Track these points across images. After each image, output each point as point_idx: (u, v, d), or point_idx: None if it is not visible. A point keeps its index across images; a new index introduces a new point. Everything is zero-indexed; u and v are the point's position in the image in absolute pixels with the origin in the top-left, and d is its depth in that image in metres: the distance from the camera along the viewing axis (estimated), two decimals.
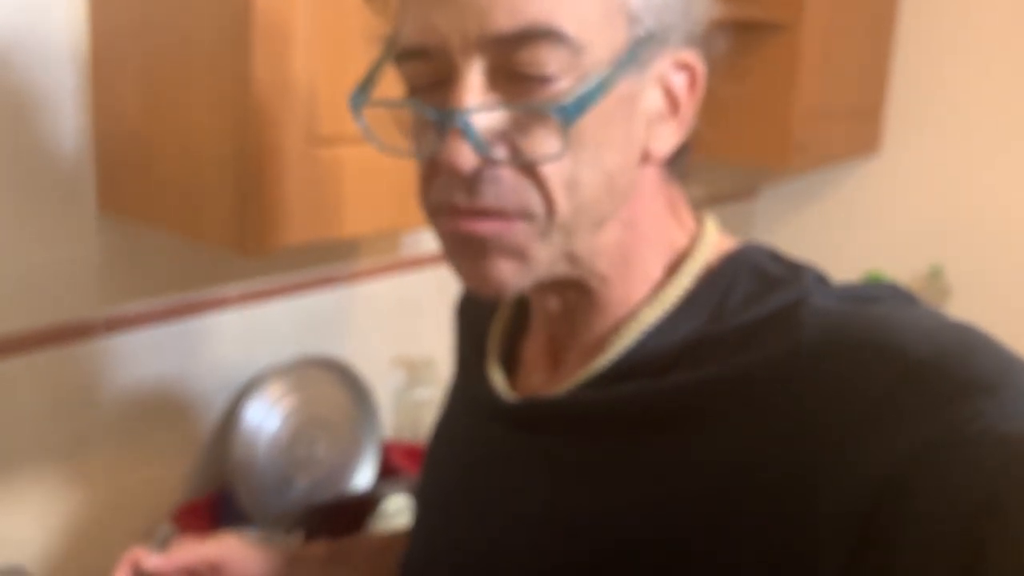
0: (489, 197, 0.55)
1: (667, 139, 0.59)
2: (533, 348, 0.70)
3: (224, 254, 1.36)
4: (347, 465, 1.54)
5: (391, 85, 0.60)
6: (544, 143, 0.54)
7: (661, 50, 0.57)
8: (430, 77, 0.56)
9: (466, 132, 0.53)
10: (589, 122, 0.54)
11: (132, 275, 1.27)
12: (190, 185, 1.08)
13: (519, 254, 0.56)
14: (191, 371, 1.38)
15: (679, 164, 0.63)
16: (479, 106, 0.53)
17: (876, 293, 0.58)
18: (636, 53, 0.55)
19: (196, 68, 1.03)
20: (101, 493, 1.31)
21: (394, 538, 0.92)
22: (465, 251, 0.58)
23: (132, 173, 1.15)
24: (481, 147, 0.53)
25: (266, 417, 1.43)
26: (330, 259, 1.54)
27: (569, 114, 0.52)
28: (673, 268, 0.62)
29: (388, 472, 1.57)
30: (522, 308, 0.73)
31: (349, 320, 1.59)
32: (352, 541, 0.92)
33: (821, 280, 0.60)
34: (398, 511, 1.42)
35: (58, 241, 1.18)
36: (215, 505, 1.41)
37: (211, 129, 1.03)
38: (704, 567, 0.53)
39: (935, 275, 2.30)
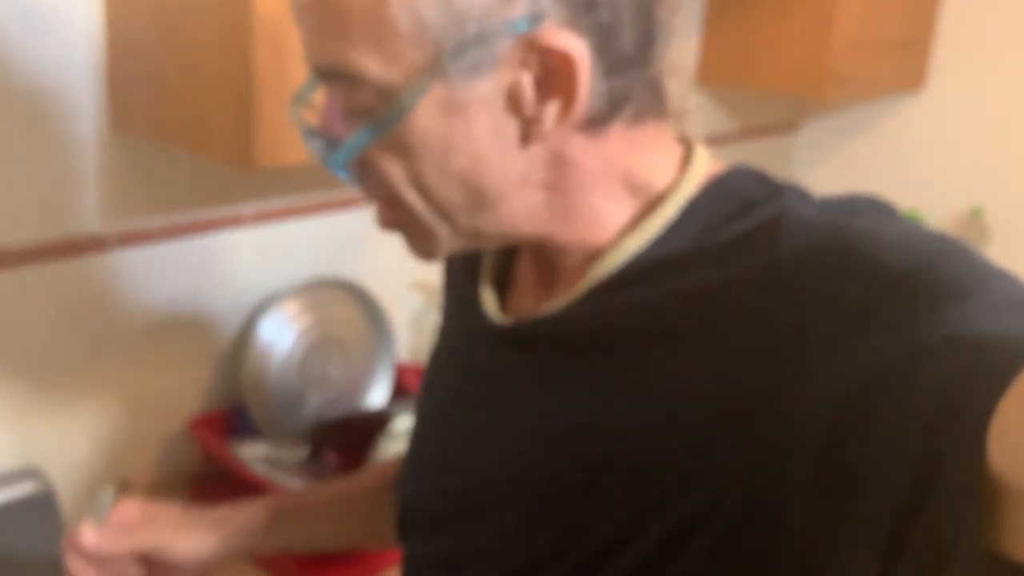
0: (368, 187, 0.62)
1: (552, 120, 0.57)
2: (524, 271, 0.71)
3: (238, 172, 1.38)
4: (360, 385, 1.57)
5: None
6: (374, 150, 0.59)
7: (494, 46, 0.55)
8: None
9: (308, 140, 0.62)
10: (413, 135, 0.56)
11: (145, 191, 1.30)
12: (197, 102, 1.09)
13: (424, 236, 0.62)
14: (206, 287, 1.41)
15: (637, 108, 0.60)
16: (321, 130, 0.61)
17: (856, 206, 0.58)
18: (446, 65, 0.55)
19: None
20: (117, 402, 1.36)
21: (339, 490, 0.92)
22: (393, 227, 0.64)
23: (141, 90, 1.17)
24: (321, 155, 0.61)
25: (280, 334, 1.46)
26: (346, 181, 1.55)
27: (337, 162, 0.59)
28: (653, 202, 0.62)
29: (401, 393, 1.59)
30: None
31: (366, 243, 1.61)
32: (295, 498, 0.91)
33: (803, 195, 0.60)
34: (408, 430, 1.44)
35: (70, 156, 1.21)
36: (229, 418, 1.45)
37: (217, 47, 1.04)
38: (686, 474, 0.55)
39: (975, 216, 2.24)
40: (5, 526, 1.17)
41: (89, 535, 0.80)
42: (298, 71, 1.01)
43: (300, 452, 1.42)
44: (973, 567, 0.44)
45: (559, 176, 0.60)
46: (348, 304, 1.55)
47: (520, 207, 0.60)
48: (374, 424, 1.46)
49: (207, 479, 1.45)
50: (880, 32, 2.04)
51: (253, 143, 1.03)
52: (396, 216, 0.62)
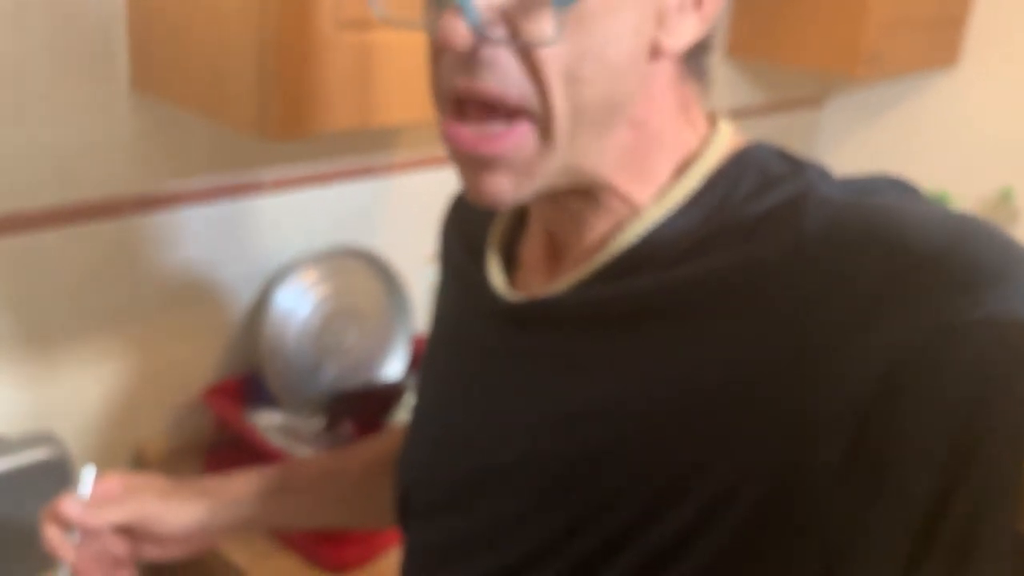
0: (489, 80, 0.54)
1: (684, 34, 0.56)
2: (532, 248, 0.69)
3: (256, 139, 1.35)
4: (377, 356, 1.55)
5: None
6: (541, 26, 0.52)
7: None
8: None
9: (463, 7, 0.51)
10: (592, 8, 0.52)
11: (166, 155, 1.28)
12: (217, 67, 1.07)
13: (522, 170, 0.56)
14: (224, 253, 1.40)
15: (697, 63, 0.60)
16: None
17: (878, 185, 0.57)
18: None
19: None
20: (134, 367, 1.35)
21: (334, 466, 0.90)
22: (468, 163, 0.57)
23: (164, 53, 1.15)
24: (476, 24, 0.52)
25: (297, 303, 1.44)
26: (368, 149, 1.53)
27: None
28: (681, 170, 0.60)
29: (418, 365, 1.58)
30: (521, 208, 0.71)
31: (385, 212, 1.59)
32: (287, 471, 0.87)
33: (824, 175, 0.58)
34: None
35: (92, 118, 1.19)
36: (245, 386, 1.44)
37: (238, 12, 1.01)
38: (703, 459, 0.53)
39: (1005, 198, 2.20)
40: (20, 491, 1.16)
41: (71, 506, 0.76)
42: (321, 40, 1.00)
43: (316, 422, 1.41)
44: (1006, 547, 0.45)
45: (646, 113, 0.58)
46: (366, 274, 1.53)
47: (618, 138, 0.58)
48: (390, 395, 1.45)
49: (221, 448, 1.44)
50: (915, 9, 1.99)
51: (272, 112, 1.00)
52: (501, 145, 0.55)
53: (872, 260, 0.50)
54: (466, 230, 0.75)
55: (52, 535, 0.76)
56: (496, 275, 0.68)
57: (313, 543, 1.23)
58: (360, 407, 1.44)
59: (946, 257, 0.49)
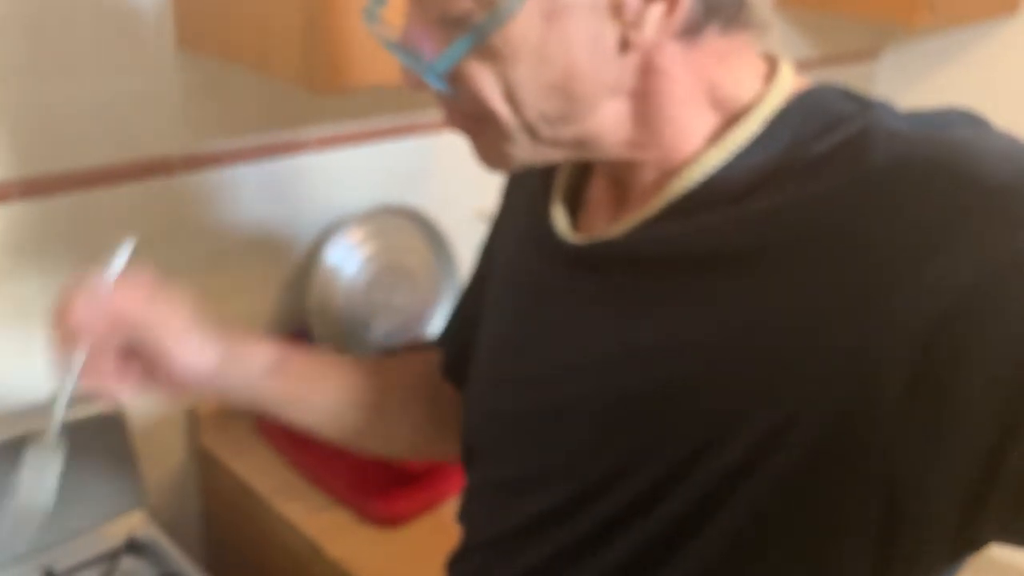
0: (441, 103, 0.61)
1: (653, 25, 0.55)
2: (597, 191, 0.69)
3: (305, 96, 1.35)
4: (424, 314, 1.55)
5: None
6: (469, 69, 0.57)
7: None
8: None
9: (395, 54, 0.60)
10: (510, 43, 0.54)
11: (214, 113, 1.28)
12: (262, 19, 1.06)
13: (500, 146, 0.60)
14: (273, 212, 1.40)
15: (723, 17, 0.58)
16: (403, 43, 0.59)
17: (949, 119, 0.56)
18: None
19: None
20: None
21: (353, 378, 0.87)
22: (464, 134, 0.63)
23: (208, 8, 1.14)
24: (408, 66, 0.59)
25: (345, 261, 1.45)
26: (414, 107, 1.52)
27: (435, 73, 0.56)
28: (737, 116, 0.60)
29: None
30: None
31: (431, 170, 1.58)
32: (305, 359, 0.86)
33: (891, 110, 0.57)
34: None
35: (138, 76, 1.20)
36: (296, 342, 1.44)
37: None
38: (762, 396, 0.53)
39: None
40: (75, 445, 1.18)
41: (105, 285, 0.73)
42: None
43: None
44: None
45: (649, 86, 0.58)
46: (412, 232, 1.53)
47: (608, 118, 0.59)
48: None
49: None
50: None
51: (320, 64, 1.00)
52: (475, 125, 0.60)
53: (938, 193, 0.49)
54: (532, 174, 0.75)
55: (80, 312, 0.73)
56: (560, 218, 0.69)
57: (363, 497, 1.24)
58: None
59: (1012, 190, 0.48)
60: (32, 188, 1.15)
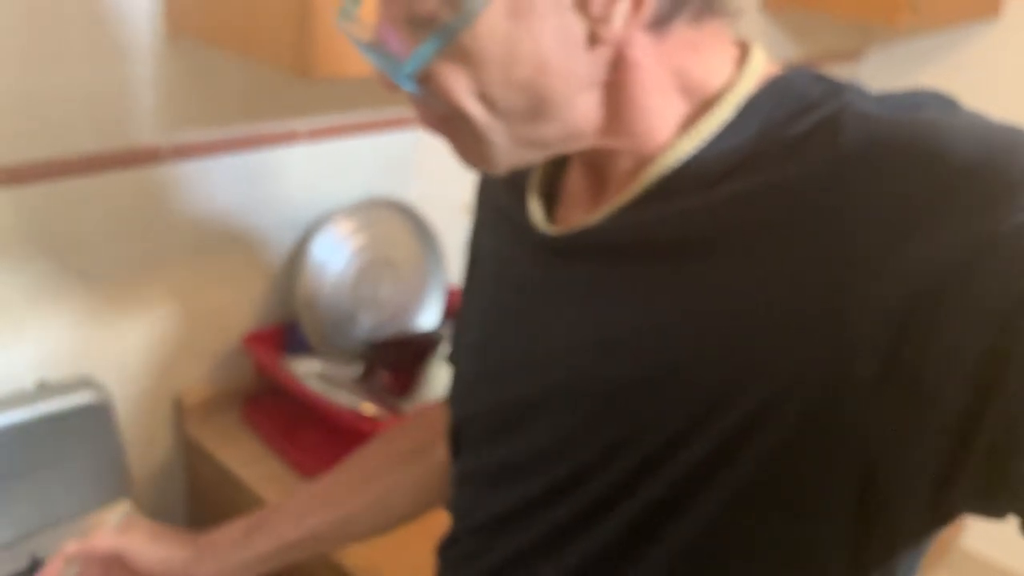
0: (414, 103, 0.61)
1: (621, 19, 0.55)
2: (574, 183, 0.70)
3: (294, 88, 1.35)
4: (412, 307, 1.56)
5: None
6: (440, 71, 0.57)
7: None
8: None
9: (368, 57, 0.59)
10: (478, 42, 0.55)
11: (200, 102, 1.28)
12: (253, 5, 1.06)
13: (479, 145, 0.60)
14: (259, 203, 1.40)
15: (692, 7, 0.58)
16: (374, 44, 0.59)
17: (920, 99, 0.56)
18: None
19: None
20: (173, 314, 1.36)
21: (315, 498, 0.91)
22: (439, 135, 0.63)
23: None
24: (380, 69, 0.59)
25: (333, 254, 1.45)
26: (403, 100, 1.52)
27: (403, 75, 0.56)
28: (708, 103, 0.60)
29: (452, 316, 1.58)
30: None
31: (420, 163, 1.59)
32: (267, 513, 0.90)
33: (863, 93, 0.58)
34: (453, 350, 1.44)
35: (125, 62, 1.19)
36: (283, 334, 1.45)
37: None
38: (742, 378, 0.54)
39: None
40: (62, 435, 1.18)
41: (70, 545, 0.86)
42: None
43: (353, 369, 1.42)
44: None
45: (620, 78, 0.58)
46: (400, 224, 1.53)
47: (580, 112, 0.59)
48: (425, 345, 1.46)
49: (261, 394, 1.46)
50: None
51: (311, 50, 1.00)
52: (449, 125, 0.60)
53: (912, 174, 0.50)
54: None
55: (52, 565, 0.85)
56: (536, 211, 0.69)
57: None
58: (395, 357, 1.45)
59: (984, 168, 0.48)
60: (14, 176, 1.15)
